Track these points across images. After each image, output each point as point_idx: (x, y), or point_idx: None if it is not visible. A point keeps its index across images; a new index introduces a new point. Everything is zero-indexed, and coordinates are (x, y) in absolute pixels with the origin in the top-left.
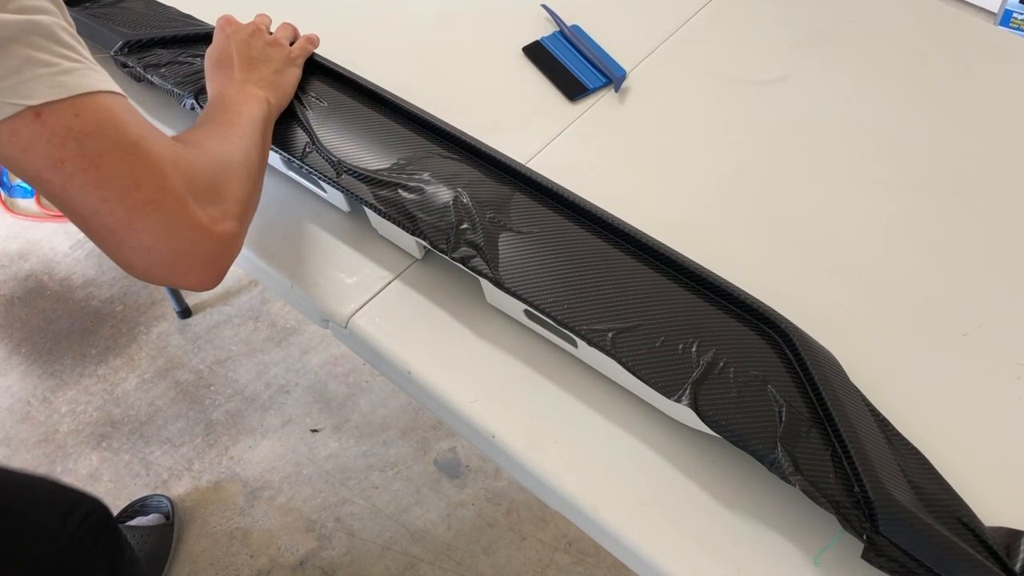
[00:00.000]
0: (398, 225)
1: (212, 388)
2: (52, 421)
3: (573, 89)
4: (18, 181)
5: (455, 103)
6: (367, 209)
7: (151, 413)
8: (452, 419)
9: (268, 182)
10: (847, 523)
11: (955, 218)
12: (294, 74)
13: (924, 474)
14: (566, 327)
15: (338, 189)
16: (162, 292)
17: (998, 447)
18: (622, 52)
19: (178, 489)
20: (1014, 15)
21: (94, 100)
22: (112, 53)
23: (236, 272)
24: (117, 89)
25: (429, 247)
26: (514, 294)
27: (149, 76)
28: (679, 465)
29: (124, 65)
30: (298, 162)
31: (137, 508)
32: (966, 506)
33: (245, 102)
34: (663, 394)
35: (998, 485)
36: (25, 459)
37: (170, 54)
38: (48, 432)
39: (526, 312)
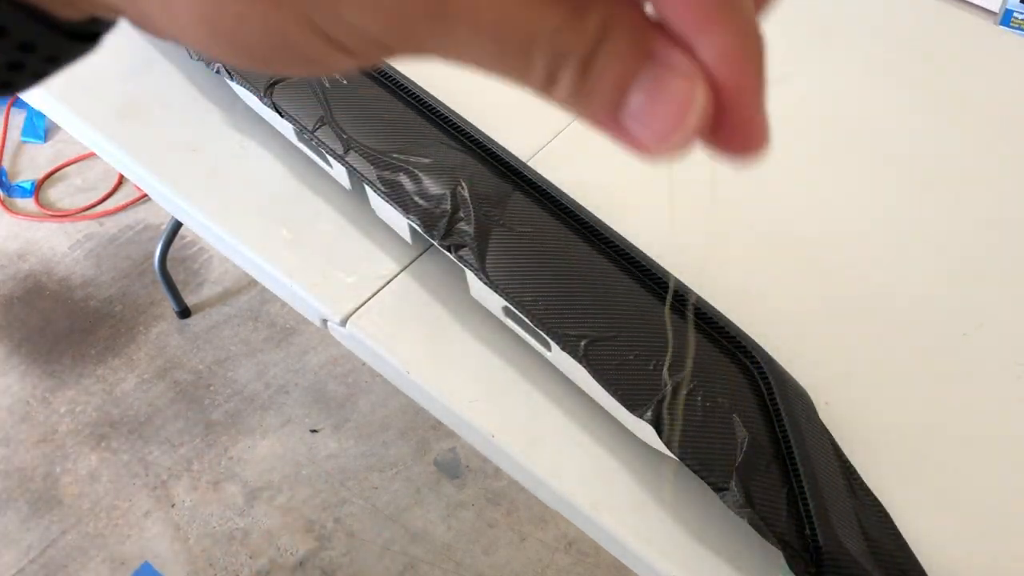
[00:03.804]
0: (395, 206)
1: (211, 388)
2: (51, 421)
3: None
4: (18, 181)
5: (454, 102)
6: (368, 190)
7: (150, 413)
8: (452, 419)
9: (267, 179)
10: (793, 564)
11: (955, 217)
12: None
13: (882, 529)
14: (541, 328)
15: (343, 166)
16: (161, 292)
17: (998, 445)
18: None
19: (177, 489)
20: (1015, 15)
21: None
22: None
23: (235, 272)
24: None
25: (421, 231)
26: (496, 289)
27: None
28: (677, 464)
29: None
30: (309, 134)
31: None
32: (920, 568)
33: None
34: (627, 408)
35: (1000, 482)
36: (24, 459)
37: None
38: (47, 432)
39: (504, 310)
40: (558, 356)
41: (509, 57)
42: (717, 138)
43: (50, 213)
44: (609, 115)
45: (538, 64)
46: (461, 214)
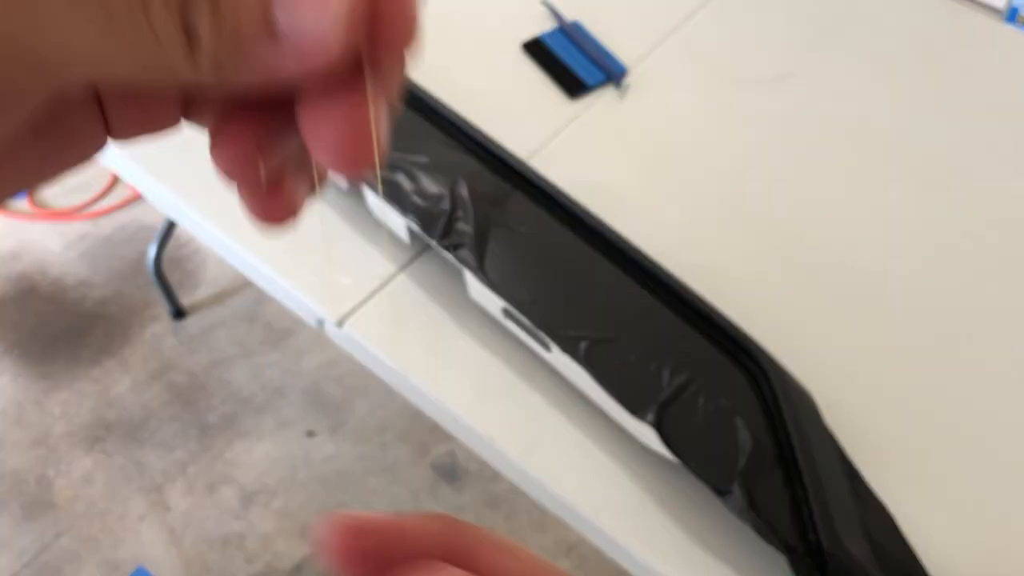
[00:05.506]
0: (393, 206)
1: (206, 390)
2: (45, 424)
3: (573, 86)
4: None
5: (454, 100)
6: (365, 189)
7: (145, 416)
8: (450, 422)
9: None
10: (797, 569)
11: (959, 217)
12: None
13: (886, 531)
14: (541, 329)
15: None
16: (156, 293)
17: (1002, 446)
18: (623, 49)
19: (172, 493)
20: (1020, 12)
21: None
22: None
23: (230, 272)
24: None
25: (420, 231)
26: (495, 289)
27: None
28: (679, 467)
29: None
30: None
31: None
32: (925, 572)
33: None
34: (628, 410)
35: (1005, 484)
36: (18, 462)
37: None
38: (41, 435)
39: (503, 311)
40: (558, 358)
41: (122, 25)
42: (372, 35)
43: (44, 212)
44: (263, 39)
45: (164, 25)
46: (459, 213)
